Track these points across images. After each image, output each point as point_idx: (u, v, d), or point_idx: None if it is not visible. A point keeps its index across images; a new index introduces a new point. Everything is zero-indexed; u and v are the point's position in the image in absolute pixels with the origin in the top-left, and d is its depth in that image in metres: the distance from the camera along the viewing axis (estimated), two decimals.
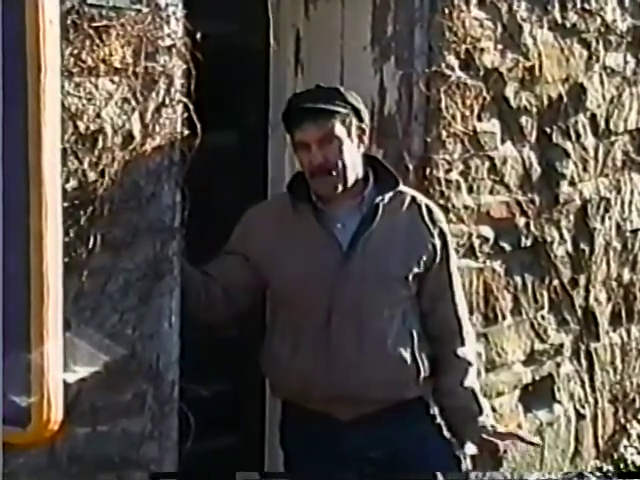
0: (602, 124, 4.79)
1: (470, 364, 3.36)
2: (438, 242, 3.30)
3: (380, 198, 3.24)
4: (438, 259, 3.30)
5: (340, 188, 3.20)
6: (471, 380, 3.35)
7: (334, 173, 3.17)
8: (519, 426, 4.58)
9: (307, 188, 3.26)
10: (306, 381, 3.20)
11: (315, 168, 3.18)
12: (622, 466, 5.09)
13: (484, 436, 3.30)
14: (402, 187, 3.34)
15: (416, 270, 3.26)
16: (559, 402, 4.78)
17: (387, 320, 3.22)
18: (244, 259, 3.28)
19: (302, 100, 3.25)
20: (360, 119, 3.24)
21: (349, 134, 3.20)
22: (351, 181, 3.21)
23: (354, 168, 3.22)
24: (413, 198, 3.33)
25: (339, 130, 3.17)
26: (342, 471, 3.24)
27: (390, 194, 3.26)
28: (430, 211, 3.33)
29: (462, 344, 3.34)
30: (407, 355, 3.23)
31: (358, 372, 3.17)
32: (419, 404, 3.29)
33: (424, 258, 3.27)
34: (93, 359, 2.89)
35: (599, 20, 4.69)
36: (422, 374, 3.26)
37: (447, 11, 4.00)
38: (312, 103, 3.19)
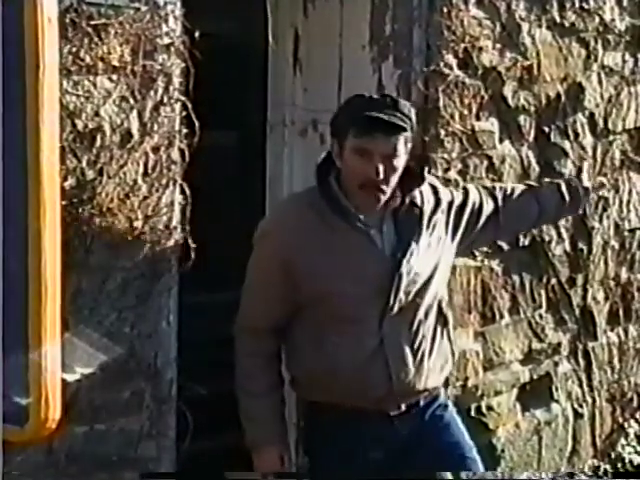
0: (600, 123, 4.79)
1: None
2: (456, 202, 3.36)
3: (410, 195, 3.20)
4: (468, 213, 3.37)
5: (382, 202, 3.14)
6: None
7: (384, 189, 3.11)
8: (517, 426, 4.58)
9: (337, 195, 3.15)
10: (365, 382, 3.17)
11: (369, 181, 3.08)
12: (619, 465, 5.09)
13: None
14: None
15: (452, 251, 3.33)
16: (557, 401, 4.78)
17: (432, 311, 3.27)
18: (284, 287, 3.15)
19: (375, 107, 3.09)
20: (412, 133, 3.17)
21: (406, 151, 3.13)
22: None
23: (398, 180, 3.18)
24: (430, 186, 3.33)
25: (403, 148, 3.10)
26: (383, 464, 3.24)
27: (417, 190, 3.23)
28: (436, 191, 3.32)
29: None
30: (445, 339, 3.32)
31: (413, 366, 3.22)
32: (438, 396, 3.37)
33: (461, 228, 3.35)
34: (92, 359, 2.89)
35: (597, 19, 4.69)
36: (449, 365, 3.36)
37: (445, 10, 4.00)
38: (388, 115, 3.06)
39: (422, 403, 3.31)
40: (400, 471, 3.27)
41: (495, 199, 3.49)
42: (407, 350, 3.22)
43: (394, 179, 3.11)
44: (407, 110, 3.12)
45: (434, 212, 3.29)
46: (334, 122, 3.18)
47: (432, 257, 3.25)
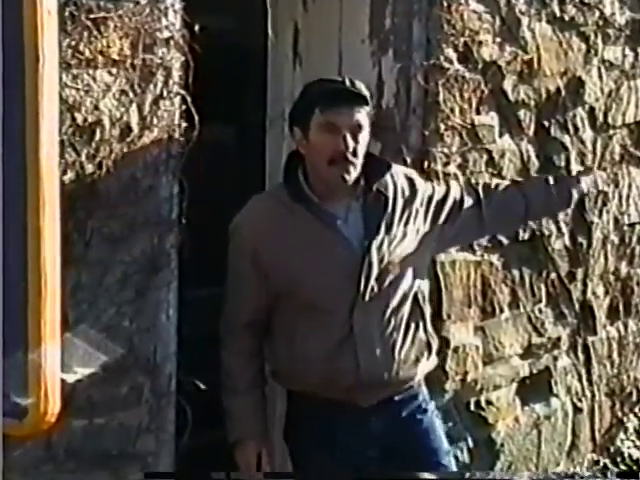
0: (600, 118, 4.79)
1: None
2: (437, 197, 3.37)
3: (377, 183, 3.23)
4: (448, 207, 3.38)
5: (352, 179, 3.18)
6: None
7: (354, 161, 3.15)
8: (516, 420, 4.58)
9: (301, 186, 3.22)
10: (333, 372, 3.20)
11: (338, 154, 3.13)
12: (619, 459, 5.09)
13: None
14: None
15: (428, 240, 3.32)
16: (556, 396, 4.78)
17: (407, 300, 3.27)
18: (255, 279, 3.21)
19: (337, 84, 3.20)
20: (371, 111, 3.26)
21: (368, 127, 3.19)
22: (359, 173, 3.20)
23: (363, 157, 3.21)
24: (403, 174, 3.37)
25: (366, 122, 3.18)
26: (358, 458, 3.25)
27: (385, 177, 3.26)
28: (412, 180, 3.35)
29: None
30: (421, 331, 3.30)
31: (383, 356, 3.21)
32: (417, 389, 3.35)
33: (439, 221, 3.34)
34: (92, 359, 2.89)
35: (598, 13, 4.68)
36: (433, 348, 3.34)
37: (445, 4, 3.99)
38: (349, 87, 3.17)
39: (397, 399, 3.29)
40: (374, 466, 3.27)
41: (477, 195, 3.51)
42: (377, 340, 3.21)
43: (361, 153, 3.16)
44: (364, 88, 3.23)
45: (409, 203, 3.29)
46: (294, 111, 3.28)
47: (407, 247, 3.26)
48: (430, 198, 3.37)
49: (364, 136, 3.17)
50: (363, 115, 3.16)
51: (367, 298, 3.19)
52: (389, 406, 3.28)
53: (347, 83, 3.19)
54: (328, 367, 3.20)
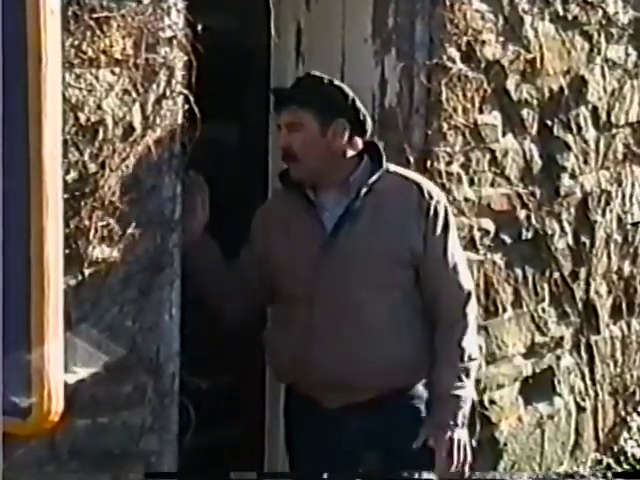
0: (603, 117, 4.79)
1: (471, 358, 3.23)
2: (432, 222, 3.20)
3: (365, 182, 3.22)
4: (431, 241, 3.20)
5: (304, 175, 3.22)
6: (463, 383, 3.20)
7: (296, 157, 3.20)
8: (519, 419, 4.58)
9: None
10: (295, 366, 3.22)
11: (282, 150, 3.26)
12: (622, 459, 5.09)
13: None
14: (394, 168, 3.32)
15: (406, 253, 3.19)
16: (559, 395, 4.77)
17: (374, 307, 3.17)
18: (253, 254, 3.33)
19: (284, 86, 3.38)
20: (340, 114, 3.21)
21: (321, 126, 3.19)
22: (319, 171, 3.20)
23: (321, 159, 3.20)
24: (405, 178, 3.30)
25: (308, 121, 3.19)
26: (332, 461, 3.24)
27: (374, 177, 3.23)
28: (421, 189, 3.24)
29: (463, 334, 3.21)
30: (395, 343, 3.18)
31: (340, 359, 3.15)
32: (408, 396, 3.24)
33: (415, 240, 3.19)
34: (93, 359, 2.88)
35: (600, 12, 4.68)
36: (413, 365, 3.21)
37: (448, 3, 3.99)
38: (289, 89, 3.34)
39: (370, 407, 3.17)
40: (348, 470, 3.24)
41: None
42: (338, 340, 3.15)
43: (302, 150, 3.19)
44: (309, 87, 3.26)
45: (400, 210, 3.21)
46: None
47: (385, 252, 3.17)
48: (427, 231, 3.20)
49: (306, 134, 3.19)
50: (300, 114, 3.19)
51: (330, 294, 3.16)
52: (360, 411, 3.18)
53: (294, 83, 3.37)
54: (292, 361, 3.23)
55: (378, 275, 3.19)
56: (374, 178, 3.23)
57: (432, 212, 3.21)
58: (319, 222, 3.23)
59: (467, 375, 3.23)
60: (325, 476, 3.29)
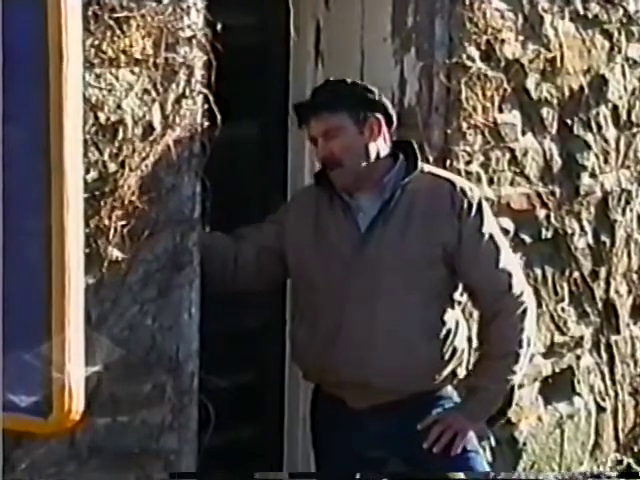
0: (624, 115, 4.76)
1: (519, 346, 3.19)
2: (465, 217, 3.18)
3: (400, 182, 3.22)
4: (466, 235, 3.18)
5: (350, 179, 3.19)
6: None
7: (339, 162, 3.18)
8: (539, 419, 4.57)
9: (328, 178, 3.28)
10: (322, 365, 3.21)
11: (322, 161, 3.23)
12: None
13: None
14: (428, 168, 3.34)
15: (438, 249, 3.17)
16: (579, 395, 4.76)
17: (405, 307, 3.17)
18: (282, 231, 3.32)
19: (307, 98, 3.33)
20: (371, 109, 3.23)
21: (357, 125, 3.19)
22: (363, 172, 3.20)
23: (364, 159, 3.20)
24: (438, 177, 3.30)
25: (339, 124, 3.18)
26: (358, 461, 3.23)
27: (409, 177, 3.23)
28: (454, 186, 3.23)
29: (506, 324, 3.17)
30: (424, 346, 3.17)
31: (368, 359, 3.15)
32: (436, 397, 3.24)
33: (448, 235, 3.18)
34: (111, 353, 2.89)
35: (621, 11, 4.66)
36: (442, 368, 3.21)
37: (468, 2, 3.98)
38: (313, 99, 3.29)
39: (399, 409, 3.16)
40: (374, 471, 3.24)
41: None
42: (364, 341, 3.15)
43: (345, 153, 3.18)
44: (345, 86, 3.26)
45: (433, 208, 3.20)
46: None
47: (418, 252, 3.16)
48: (460, 231, 3.19)
49: (344, 136, 3.18)
50: (327, 118, 3.18)
51: (361, 295, 3.16)
52: (385, 413, 3.18)
53: (316, 92, 3.33)
54: (319, 360, 3.21)
55: (410, 276, 3.19)
56: (408, 179, 3.23)
57: (466, 208, 3.20)
58: (354, 222, 3.21)
59: (508, 366, 3.21)
60: (356, 476, 3.29)
